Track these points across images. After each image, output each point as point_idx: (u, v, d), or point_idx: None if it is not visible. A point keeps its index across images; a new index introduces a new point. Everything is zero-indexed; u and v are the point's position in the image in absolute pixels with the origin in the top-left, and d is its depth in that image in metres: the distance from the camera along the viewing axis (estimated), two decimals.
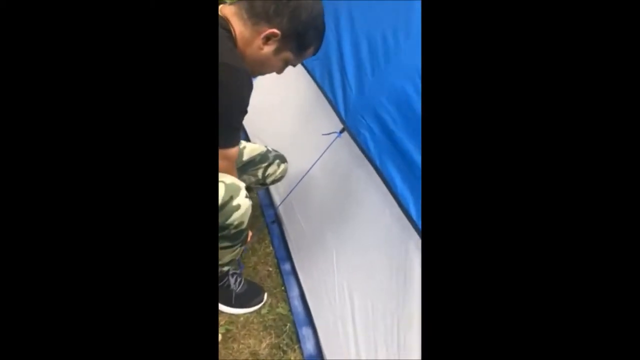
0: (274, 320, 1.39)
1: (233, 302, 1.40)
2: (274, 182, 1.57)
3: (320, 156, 1.44)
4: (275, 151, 1.55)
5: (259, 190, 1.63)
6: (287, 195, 1.57)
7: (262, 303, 1.43)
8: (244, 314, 1.41)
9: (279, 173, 1.53)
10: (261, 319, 1.39)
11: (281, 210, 1.73)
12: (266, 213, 1.81)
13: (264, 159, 1.51)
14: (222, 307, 1.39)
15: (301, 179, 1.51)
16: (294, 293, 1.46)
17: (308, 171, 1.49)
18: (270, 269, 1.57)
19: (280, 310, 1.42)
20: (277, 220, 1.75)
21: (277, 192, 1.76)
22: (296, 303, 1.43)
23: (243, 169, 1.49)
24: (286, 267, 1.55)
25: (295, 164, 1.58)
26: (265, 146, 1.56)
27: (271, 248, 1.65)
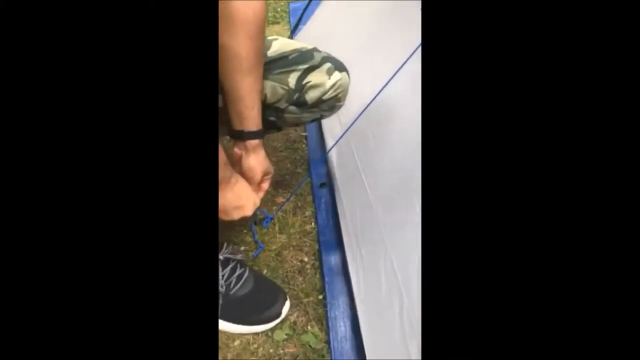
0: (295, 356, 0.74)
1: (223, 310, 0.76)
2: (321, 105, 0.89)
3: (407, 60, 0.74)
4: (329, 55, 0.88)
5: (308, 121, 0.95)
6: (344, 133, 0.90)
7: (278, 319, 0.78)
8: (241, 335, 0.77)
9: (331, 89, 0.86)
10: (272, 348, 0.75)
11: (334, 161, 1.06)
12: (315, 170, 1.15)
13: (304, 58, 0.85)
14: None
15: (370, 104, 0.83)
16: (340, 309, 0.79)
17: (381, 90, 0.80)
18: (306, 259, 0.91)
19: (309, 338, 0.76)
20: (329, 182, 1.09)
21: (332, 133, 1.10)
22: (341, 327, 0.76)
23: (265, 68, 0.83)
24: (332, 259, 0.89)
25: (370, 83, 0.90)
26: (314, 47, 0.89)
27: (313, 225, 1.00)
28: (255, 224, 0.96)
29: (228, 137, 0.89)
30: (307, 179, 1.13)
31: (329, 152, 1.03)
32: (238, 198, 0.79)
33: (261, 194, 0.94)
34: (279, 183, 1.12)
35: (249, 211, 0.81)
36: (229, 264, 0.77)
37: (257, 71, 0.82)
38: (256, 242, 0.94)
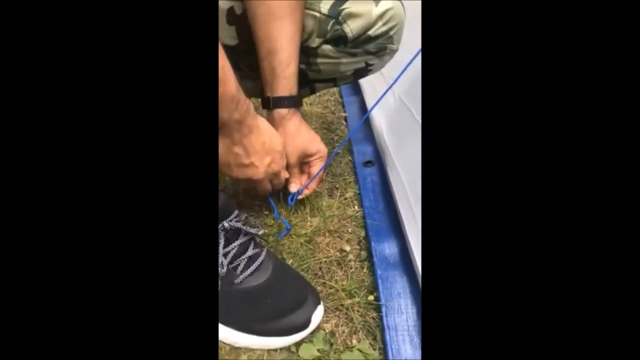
0: None
1: (223, 308, 0.50)
2: (366, 46, 0.67)
3: None
4: None
5: (350, 75, 0.72)
6: (391, 85, 0.65)
7: (307, 330, 0.51)
8: (249, 349, 0.51)
9: (379, 21, 0.63)
10: None
11: (384, 133, 0.82)
12: (358, 148, 0.91)
13: None
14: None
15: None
16: (403, 316, 0.52)
17: None
18: (347, 248, 0.65)
19: (355, 357, 0.49)
20: (380, 160, 0.84)
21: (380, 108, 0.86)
22: (405, 342, 0.48)
23: None
24: (386, 248, 0.62)
25: None
26: None
27: (356, 208, 0.74)
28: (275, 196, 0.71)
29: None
30: (350, 157, 0.88)
31: (370, 110, 0.78)
32: (246, 154, 0.57)
33: (302, 180, 0.70)
34: None
35: (258, 172, 0.58)
36: (237, 238, 0.52)
37: (298, 14, 0.61)
38: (277, 218, 0.68)
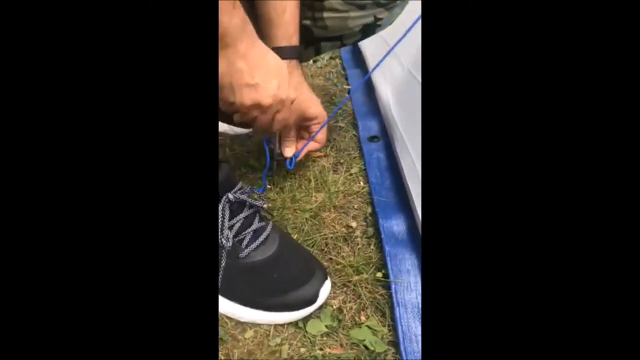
0: None
1: (227, 282, 0.49)
2: None
3: None
4: None
5: (357, 32, 0.67)
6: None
7: (314, 305, 0.50)
8: (256, 323, 0.50)
9: None
10: (303, 347, 0.47)
11: (392, 107, 0.80)
12: (362, 122, 0.88)
13: None
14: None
15: None
16: (413, 293, 0.50)
17: None
18: (354, 224, 0.63)
19: (364, 334, 0.48)
20: (385, 135, 0.82)
21: (386, 80, 0.82)
22: (414, 319, 0.47)
23: None
24: (394, 225, 0.61)
25: None
26: None
27: (362, 184, 0.72)
28: (272, 158, 0.68)
29: None
30: (354, 132, 0.86)
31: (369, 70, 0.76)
32: (250, 72, 0.49)
33: (298, 146, 0.67)
34: None
35: (266, 95, 0.51)
36: (242, 211, 0.50)
37: None
38: (262, 178, 0.67)
